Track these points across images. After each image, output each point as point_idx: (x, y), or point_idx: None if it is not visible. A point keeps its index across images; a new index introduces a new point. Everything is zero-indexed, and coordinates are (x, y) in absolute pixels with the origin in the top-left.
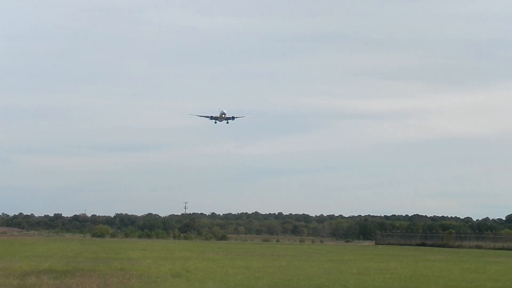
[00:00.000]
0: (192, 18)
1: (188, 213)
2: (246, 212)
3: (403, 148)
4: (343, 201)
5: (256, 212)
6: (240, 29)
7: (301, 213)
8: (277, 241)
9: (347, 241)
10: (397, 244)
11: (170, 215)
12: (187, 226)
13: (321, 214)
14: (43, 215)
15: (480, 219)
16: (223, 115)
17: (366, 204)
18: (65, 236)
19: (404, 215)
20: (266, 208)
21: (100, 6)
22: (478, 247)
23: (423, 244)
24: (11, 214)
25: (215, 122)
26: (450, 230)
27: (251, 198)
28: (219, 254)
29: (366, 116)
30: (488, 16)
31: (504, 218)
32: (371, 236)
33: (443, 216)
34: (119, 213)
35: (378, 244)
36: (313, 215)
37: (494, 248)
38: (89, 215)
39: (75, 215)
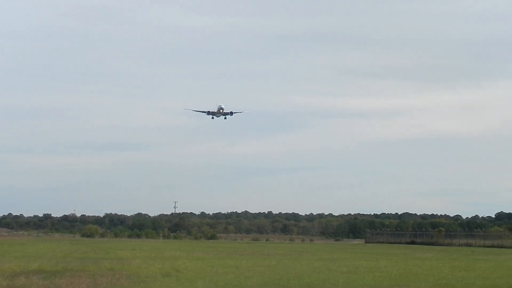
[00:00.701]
0: (182, 18)
1: (178, 212)
2: (236, 211)
3: (392, 146)
4: (332, 199)
5: (245, 211)
6: (228, 29)
7: (290, 212)
8: (267, 240)
9: (337, 240)
10: (386, 243)
11: (160, 214)
12: (177, 226)
13: (311, 213)
14: (32, 215)
15: (469, 217)
16: (221, 110)
17: (355, 203)
18: (54, 236)
19: (393, 213)
20: (255, 207)
21: (92, 6)
22: (468, 245)
23: (412, 242)
24: (0, 214)
25: (212, 118)
26: (440, 228)
27: (241, 197)
28: (208, 253)
29: (355, 114)
30: (476, 15)
31: (493, 216)
32: (360, 235)
33: (432, 214)
34: (108, 213)
35: (368, 242)
36: (303, 214)
37: (484, 246)
38: (78, 215)
39: (64, 215)
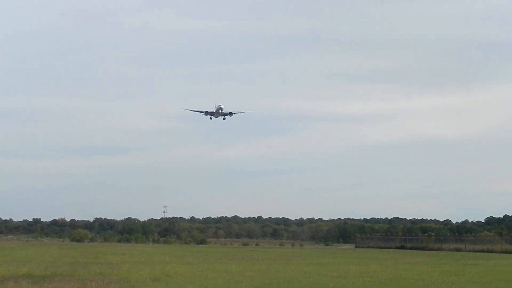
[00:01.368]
0: (174, 21)
1: (168, 217)
2: (226, 216)
3: (382, 150)
4: (322, 204)
5: (235, 215)
6: (219, 32)
7: (280, 217)
8: (257, 244)
9: (326, 245)
10: (376, 247)
11: (150, 219)
12: (167, 230)
13: (301, 218)
14: (21, 220)
15: (459, 222)
16: (220, 111)
17: (345, 207)
18: (43, 240)
19: (383, 218)
20: (245, 211)
21: (81, 9)
22: (458, 249)
23: (402, 247)
24: None
25: (210, 118)
26: (430, 232)
27: (231, 201)
28: (198, 258)
29: (344, 118)
30: (465, 18)
31: (483, 221)
32: (350, 239)
33: (422, 218)
34: (98, 217)
35: (357, 247)
36: (293, 219)
37: (474, 251)
38: (68, 219)
39: (54, 219)
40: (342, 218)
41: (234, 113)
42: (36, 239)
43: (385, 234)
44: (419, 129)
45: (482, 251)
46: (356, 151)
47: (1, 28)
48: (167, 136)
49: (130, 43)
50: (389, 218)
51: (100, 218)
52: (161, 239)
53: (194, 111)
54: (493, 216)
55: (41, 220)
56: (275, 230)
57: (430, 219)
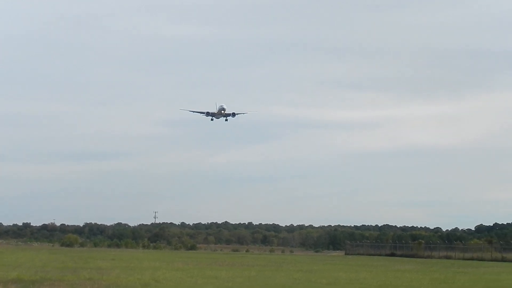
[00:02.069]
0: (164, 27)
1: (158, 222)
2: (216, 222)
3: (372, 158)
4: (313, 211)
5: (226, 221)
6: (208, 38)
7: (271, 223)
8: (247, 251)
9: (316, 251)
10: (366, 254)
11: (140, 224)
12: (157, 236)
13: (291, 224)
14: (11, 224)
15: (449, 229)
16: (222, 111)
17: (336, 214)
18: (33, 245)
19: (374, 225)
20: (236, 217)
21: (68, 14)
22: (448, 257)
23: (392, 254)
24: None
25: (212, 119)
26: (420, 240)
27: (221, 207)
28: (188, 264)
29: (335, 125)
30: (456, 26)
31: (473, 229)
32: (340, 246)
33: (412, 226)
34: (88, 222)
35: (347, 254)
36: (283, 225)
37: (463, 259)
38: (58, 224)
39: (43, 224)
40: (332, 225)
41: (237, 114)
42: (26, 244)
43: (375, 241)
44: (409, 137)
45: (472, 259)
46: (346, 158)
47: None
48: (158, 142)
49: (122, 48)
50: (379, 225)
51: (90, 223)
52: (151, 244)
53: (194, 112)
54: (483, 224)
55: (31, 224)
56: (265, 237)
57: (420, 227)
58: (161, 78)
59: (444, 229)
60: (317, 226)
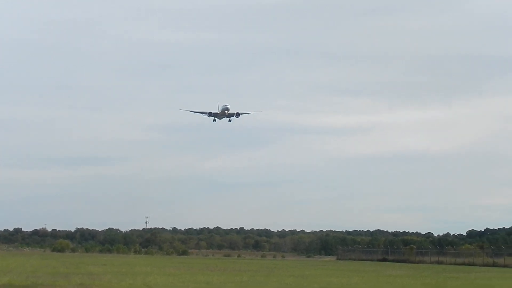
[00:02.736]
0: (154, 32)
1: (150, 227)
2: (208, 227)
3: (364, 163)
4: (304, 216)
5: (217, 227)
6: (200, 43)
7: (262, 228)
8: (239, 256)
9: (308, 256)
10: (358, 260)
11: (131, 229)
12: (148, 241)
13: (283, 229)
14: (2, 229)
15: (441, 235)
16: (226, 111)
17: (327, 219)
18: (24, 250)
19: (365, 230)
20: (227, 223)
21: (61, 19)
22: (439, 262)
23: (384, 260)
24: None
25: (214, 120)
26: (411, 245)
27: (213, 213)
28: (180, 269)
29: (326, 131)
30: (447, 32)
31: (464, 234)
32: (332, 251)
33: (404, 231)
34: (79, 227)
35: (339, 259)
36: (275, 230)
37: (455, 264)
38: (49, 229)
39: (35, 229)
40: (324, 230)
41: (241, 114)
42: (17, 249)
43: (367, 247)
44: (401, 143)
45: (463, 264)
46: (338, 163)
47: None
48: (149, 147)
49: (115, 53)
50: (371, 231)
51: (82, 228)
52: (142, 249)
53: (195, 112)
54: (475, 229)
55: (22, 230)
56: (257, 242)
57: (412, 232)
58: (154, 83)
59: (435, 234)
60: (309, 231)
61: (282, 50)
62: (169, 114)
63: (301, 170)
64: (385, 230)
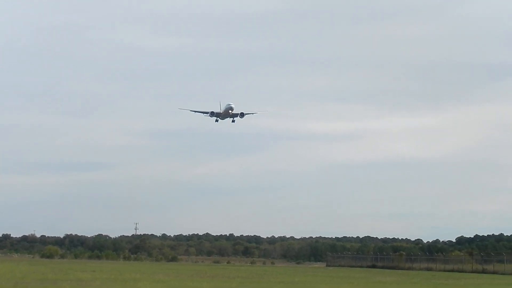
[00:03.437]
0: (143, 38)
1: (139, 234)
2: (197, 233)
3: (353, 169)
4: (294, 222)
5: (207, 233)
6: (189, 50)
7: (252, 235)
8: (228, 262)
9: (298, 263)
10: (348, 266)
11: (121, 236)
12: (138, 247)
13: (272, 236)
14: None
15: (430, 241)
16: (230, 111)
17: (317, 226)
18: (13, 256)
19: (355, 236)
20: (217, 229)
21: (49, 25)
22: (429, 269)
23: (374, 266)
24: None
25: (216, 121)
26: (401, 252)
27: (202, 219)
28: (169, 275)
29: (315, 137)
30: (435, 39)
31: (454, 240)
32: (322, 258)
33: (393, 238)
34: (68, 233)
35: (329, 265)
36: (264, 237)
37: (444, 270)
38: (38, 235)
39: (24, 235)
40: (313, 237)
41: (246, 114)
42: (6, 255)
43: (357, 253)
44: (390, 149)
45: (452, 270)
46: (328, 170)
47: None
48: (139, 153)
49: (103, 59)
50: (361, 237)
51: (71, 234)
52: (132, 256)
53: (195, 111)
54: (464, 236)
55: (11, 235)
56: (247, 248)
57: (401, 238)
58: (143, 88)
59: (425, 241)
60: (298, 237)
61: (273, 56)
62: (159, 119)
63: (290, 176)
64: (375, 236)
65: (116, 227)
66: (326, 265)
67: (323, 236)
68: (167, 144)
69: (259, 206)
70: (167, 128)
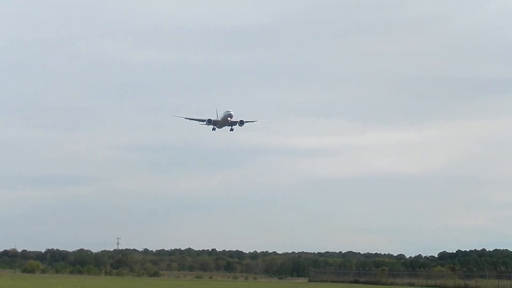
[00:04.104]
0: (125, 52)
1: (121, 248)
2: (179, 248)
3: (336, 184)
4: (276, 237)
5: (189, 248)
6: (171, 64)
7: (234, 250)
8: (210, 277)
9: (280, 278)
10: (330, 281)
11: (102, 250)
12: (119, 262)
13: (255, 251)
14: None
15: (413, 256)
16: (229, 118)
17: (299, 241)
18: None
19: (337, 251)
20: (199, 244)
21: (32, 39)
22: (411, 284)
23: (356, 281)
24: None
25: (214, 129)
26: (383, 267)
27: (184, 234)
28: None
29: (298, 152)
30: (418, 54)
31: (436, 256)
32: (304, 273)
33: (376, 253)
34: (50, 248)
35: (311, 281)
36: (247, 252)
37: (427, 286)
38: (19, 250)
39: (5, 250)
40: (296, 252)
41: (245, 122)
42: None
43: (339, 268)
44: (373, 164)
45: (435, 286)
46: (311, 184)
47: None
48: (121, 167)
49: (85, 73)
50: (343, 252)
51: (52, 249)
52: (113, 271)
53: (191, 119)
54: (446, 251)
55: None
56: (229, 263)
57: (384, 254)
58: (124, 103)
59: (407, 256)
60: (280, 252)
61: (256, 71)
62: (142, 133)
63: (273, 191)
64: (357, 251)
65: (98, 242)
66: (309, 280)
67: (305, 251)
68: (150, 158)
69: (241, 221)
70: (150, 142)
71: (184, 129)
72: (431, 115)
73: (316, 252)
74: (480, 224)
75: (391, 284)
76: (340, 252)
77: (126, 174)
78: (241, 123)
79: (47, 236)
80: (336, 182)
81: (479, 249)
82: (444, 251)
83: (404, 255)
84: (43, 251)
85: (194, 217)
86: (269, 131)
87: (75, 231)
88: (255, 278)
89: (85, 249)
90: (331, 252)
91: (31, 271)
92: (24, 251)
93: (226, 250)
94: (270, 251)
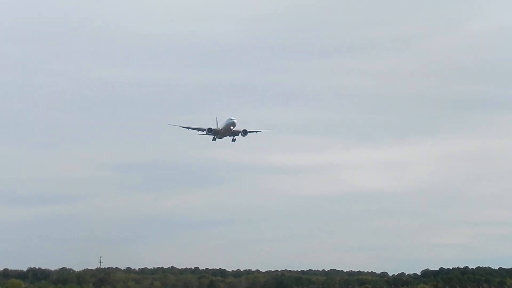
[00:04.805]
0: (108, 70)
1: (103, 267)
2: (162, 267)
3: (319, 202)
4: (259, 255)
5: (172, 266)
6: (154, 82)
7: (217, 268)
8: None
9: None
10: None
11: (85, 269)
12: (102, 281)
13: (238, 269)
14: None
15: (396, 274)
16: (231, 128)
17: (282, 259)
18: None
19: (320, 269)
20: (182, 262)
21: (13, 56)
22: None
23: None
24: None
25: (214, 139)
26: (366, 285)
27: (167, 252)
28: None
29: (281, 170)
30: (400, 72)
31: (419, 273)
32: None
33: (359, 270)
34: (32, 267)
35: None
36: (230, 270)
37: None
38: (1, 268)
39: None
40: (279, 270)
41: (249, 132)
42: None
43: (322, 286)
44: (356, 182)
45: None
46: (293, 202)
47: None
48: (104, 186)
49: (66, 91)
50: (326, 270)
51: (34, 267)
52: None
53: (189, 128)
54: (429, 268)
55: None
56: (212, 282)
57: (367, 271)
58: (107, 121)
59: (390, 274)
60: (264, 270)
61: (238, 88)
62: (123, 152)
63: (256, 209)
64: (340, 269)
65: (80, 260)
66: None
67: (288, 269)
68: (132, 177)
69: (224, 239)
70: (132, 161)
71: (167, 146)
72: (413, 132)
73: (299, 270)
74: (463, 241)
75: None
76: (323, 270)
77: (108, 193)
78: (245, 132)
79: (29, 254)
80: (319, 199)
81: (462, 267)
82: (427, 269)
83: (387, 272)
84: (24, 269)
85: (176, 236)
86: (252, 149)
87: (57, 249)
88: None
89: (67, 267)
90: (314, 270)
91: None
92: (5, 270)
93: (209, 268)
94: (253, 269)
